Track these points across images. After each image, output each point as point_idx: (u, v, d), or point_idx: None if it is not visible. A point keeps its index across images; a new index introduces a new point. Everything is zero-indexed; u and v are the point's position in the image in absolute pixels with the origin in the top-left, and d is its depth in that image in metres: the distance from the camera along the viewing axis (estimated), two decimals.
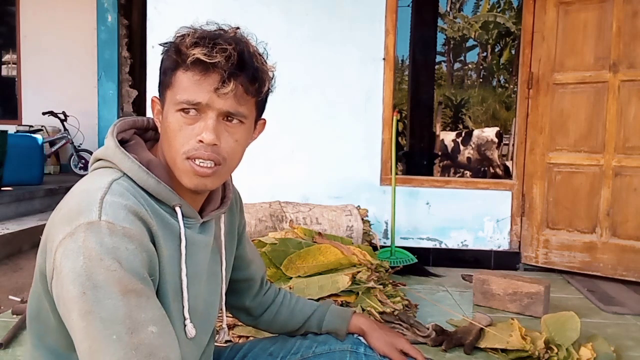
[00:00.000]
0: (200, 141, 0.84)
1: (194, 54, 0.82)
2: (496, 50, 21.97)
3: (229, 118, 0.86)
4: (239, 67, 0.84)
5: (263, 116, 0.98)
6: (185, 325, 0.88)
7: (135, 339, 0.72)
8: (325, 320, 1.17)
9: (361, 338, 1.13)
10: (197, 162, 0.85)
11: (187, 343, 0.88)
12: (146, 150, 0.93)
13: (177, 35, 0.87)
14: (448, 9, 21.60)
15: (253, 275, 1.18)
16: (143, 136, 0.98)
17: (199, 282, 0.93)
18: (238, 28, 0.90)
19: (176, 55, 0.85)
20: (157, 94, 0.94)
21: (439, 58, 21.48)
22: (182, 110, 0.85)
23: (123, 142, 0.92)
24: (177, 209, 0.88)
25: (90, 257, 0.73)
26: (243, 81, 0.85)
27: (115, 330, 0.71)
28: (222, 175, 0.89)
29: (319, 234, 2.72)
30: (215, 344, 1.10)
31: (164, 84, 0.89)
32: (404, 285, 2.85)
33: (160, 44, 0.90)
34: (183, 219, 0.89)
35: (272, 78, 0.92)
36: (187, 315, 0.88)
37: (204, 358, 1.02)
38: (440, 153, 8.13)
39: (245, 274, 1.16)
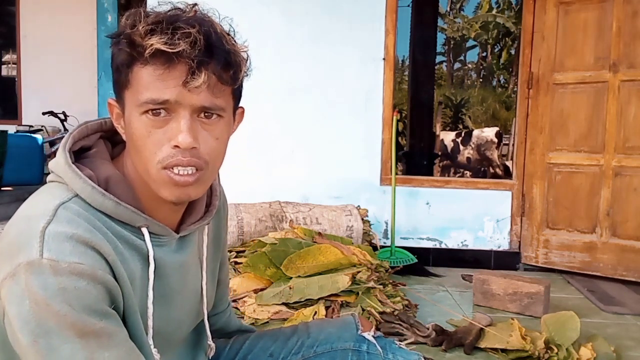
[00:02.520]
0: (176, 146, 0.73)
1: (151, 45, 0.69)
2: (496, 50, 21.99)
3: (206, 114, 0.75)
4: (207, 53, 0.71)
5: (240, 104, 0.86)
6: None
7: None
8: None
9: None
10: (175, 170, 0.74)
11: None
12: (107, 162, 0.81)
13: (127, 22, 0.73)
14: (448, 9, 21.63)
15: (223, 278, 1.12)
16: (113, 139, 0.86)
17: (170, 304, 0.86)
18: (195, 4, 0.76)
19: (130, 48, 0.72)
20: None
21: (439, 58, 21.54)
22: (148, 112, 0.73)
23: (85, 150, 0.82)
24: (144, 230, 0.79)
25: (36, 302, 0.64)
26: (215, 69, 0.73)
27: None
28: (205, 180, 0.79)
29: (319, 234, 2.72)
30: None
31: (120, 84, 0.76)
32: (404, 285, 2.85)
33: (108, 36, 0.76)
34: (152, 238, 0.80)
35: (247, 60, 0.78)
36: (150, 341, 0.80)
37: None
38: (440, 153, 8.13)
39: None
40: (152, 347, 0.81)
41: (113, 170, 0.80)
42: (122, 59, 0.74)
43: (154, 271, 0.80)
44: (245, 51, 0.78)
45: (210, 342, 1.03)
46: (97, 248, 0.69)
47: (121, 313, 0.74)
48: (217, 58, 0.73)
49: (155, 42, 0.69)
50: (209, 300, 1.00)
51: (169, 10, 0.74)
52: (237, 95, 0.81)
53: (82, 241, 0.68)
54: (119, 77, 0.76)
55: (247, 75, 0.80)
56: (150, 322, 0.81)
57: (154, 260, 0.80)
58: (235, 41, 0.77)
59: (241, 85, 0.81)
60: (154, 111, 0.73)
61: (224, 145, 0.80)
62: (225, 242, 1.09)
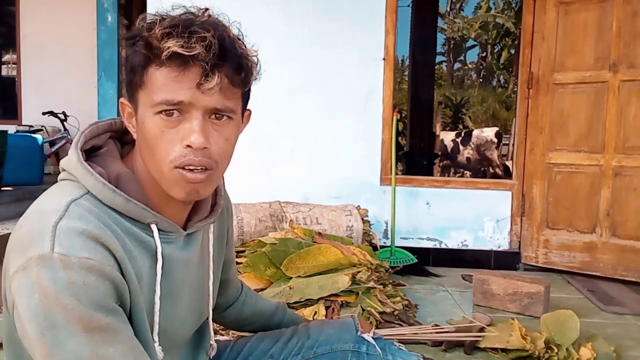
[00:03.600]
0: (189, 146, 0.75)
1: (168, 47, 0.72)
2: (496, 50, 21.98)
3: (217, 115, 0.77)
4: (221, 57, 0.74)
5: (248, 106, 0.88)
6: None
7: None
8: (283, 324, 1.21)
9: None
10: (187, 169, 0.76)
11: None
12: (117, 160, 0.84)
13: (143, 25, 0.76)
14: (448, 9, 21.62)
15: (232, 276, 1.15)
16: (122, 139, 0.89)
17: (176, 301, 0.87)
18: (207, 9, 0.79)
19: (146, 50, 0.74)
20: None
21: (439, 58, 21.54)
22: (162, 112, 0.75)
23: (95, 149, 0.84)
24: (153, 227, 0.81)
25: (45, 295, 0.66)
26: (228, 72, 0.75)
27: None
28: (214, 180, 0.81)
29: (319, 234, 2.72)
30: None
31: (134, 84, 0.78)
32: (404, 285, 2.85)
33: (124, 38, 0.80)
34: (161, 235, 0.82)
35: (258, 64, 0.81)
36: (155, 338, 0.82)
37: None
38: (440, 153, 8.13)
39: (225, 275, 1.10)
40: (156, 344, 0.81)
41: (123, 168, 0.82)
42: (138, 60, 0.76)
43: (161, 267, 0.82)
44: (255, 55, 0.81)
45: (212, 341, 1.04)
46: (106, 244, 0.71)
47: (127, 310, 0.75)
48: (230, 61, 0.75)
49: (172, 45, 0.72)
50: (213, 300, 1.01)
51: (183, 14, 0.77)
52: (246, 97, 0.84)
53: (92, 237, 0.70)
54: (134, 78, 0.78)
55: (257, 79, 0.82)
56: (156, 318, 0.82)
57: (162, 256, 0.81)
58: (245, 46, 0.80)
59: (250, 89, 0.84)
60: (167, 112, 0.75)
61: (232, 146, 0.82)
62: (232, 244, 1.10)
